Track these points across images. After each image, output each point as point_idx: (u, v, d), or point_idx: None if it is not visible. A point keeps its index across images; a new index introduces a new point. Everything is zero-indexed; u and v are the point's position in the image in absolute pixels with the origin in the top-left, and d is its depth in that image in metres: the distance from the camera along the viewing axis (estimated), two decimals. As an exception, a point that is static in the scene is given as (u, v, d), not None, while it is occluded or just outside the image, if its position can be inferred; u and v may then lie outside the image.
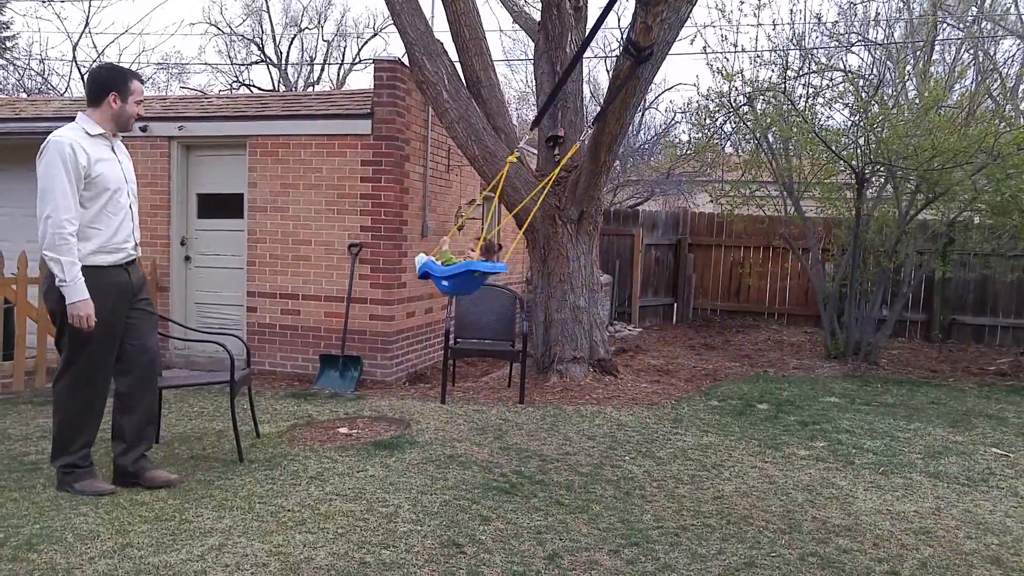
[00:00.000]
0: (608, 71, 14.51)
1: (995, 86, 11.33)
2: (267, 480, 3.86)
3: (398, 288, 6.54)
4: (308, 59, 28.30)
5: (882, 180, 8.37)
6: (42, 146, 3.37)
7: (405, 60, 6.48)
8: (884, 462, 4.52)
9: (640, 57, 4.98)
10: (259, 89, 26.00)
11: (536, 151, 7.28)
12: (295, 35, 27.52)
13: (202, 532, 3.19)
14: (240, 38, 26.87)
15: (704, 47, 18.94)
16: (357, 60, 28.49)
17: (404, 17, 6.31)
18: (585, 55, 7.01)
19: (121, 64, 3.63)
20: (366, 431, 4.88)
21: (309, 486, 3.78)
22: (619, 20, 16.95)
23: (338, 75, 28.69)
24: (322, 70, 28.38)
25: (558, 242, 6.49)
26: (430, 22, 6.58)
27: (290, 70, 27.99)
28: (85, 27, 23.60)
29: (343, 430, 4.88)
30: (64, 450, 3.57)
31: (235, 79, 27.11)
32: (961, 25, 13.66)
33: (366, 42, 32.41)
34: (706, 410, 5.76)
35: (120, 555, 2.95)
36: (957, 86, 10.46)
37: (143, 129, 6.97)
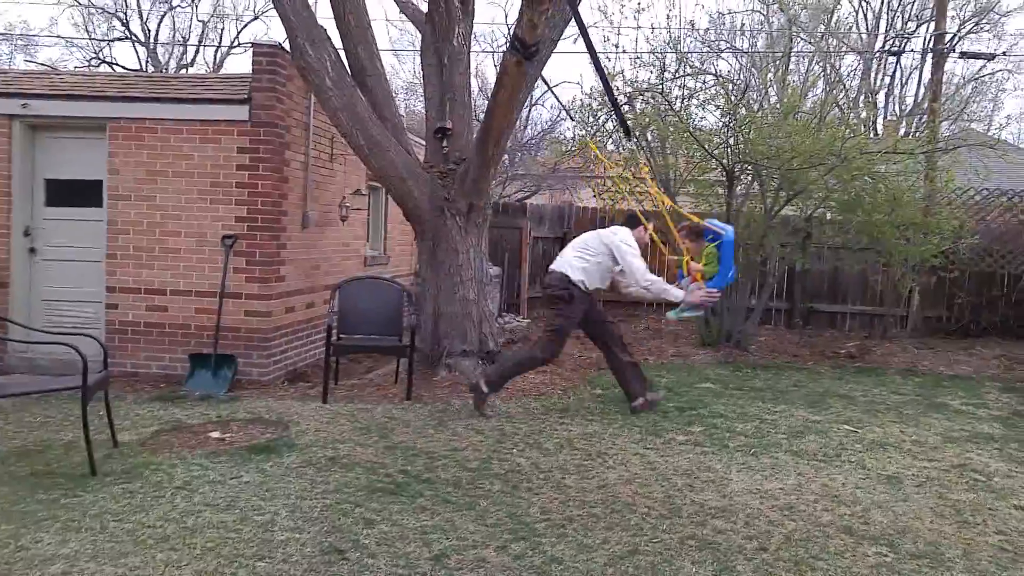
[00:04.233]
0: (496, 65, 14.54)
1: (840, 96, 12.36)
2: (124, 494, 3.55)
3: (276, 282, 6.23)
4: (181, 39, 26.54)
5: (750, 178, 8.90)
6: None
7: (287, 45, 6.18)
8: (754, 444, 4.81)
9: (526, 53, 5.00)
10: (122, 68, 24.05)
11: (424, 142, 7.16)
12: (165, 12, 25.68)
13: (42, 560, 2.86)
14: (100, 11, 24.74)
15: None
16: (236, 44, 27.06)
17: (286, 1, 6.02)
18: (472, 49, 6.97)
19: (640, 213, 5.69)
20: (241, 435, 4.61)
21: (174, 497, 3.52)
22: (506, 16, 17.00)
23: (215, 58, 27.11)
24: (196, 52, 26.70)
25: (447, 234, 6.42)
26: (313, 8, 6.32)
27: (160, 50, 26.11)
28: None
29: (215, 434, 4.58)
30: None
31: (94, 55, 24.96)
32: (812, 40, 14.81)
33: (245, 25, 30.85)
34: (591, 399, 5.90)
35: (-58, 591, 2.59)
36: (810, 94, 11.32)
37: (-23, 106, 6.23)
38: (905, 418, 5.65)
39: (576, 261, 5.33)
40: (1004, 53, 19.50)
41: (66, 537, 3.06)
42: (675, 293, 5.26)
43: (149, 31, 25.75)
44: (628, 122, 8.67)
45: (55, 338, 5.16)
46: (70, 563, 2.84)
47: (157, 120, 6.16)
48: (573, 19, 5.08)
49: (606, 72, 5.89)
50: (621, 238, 5.37)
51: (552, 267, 5.45)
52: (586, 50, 4.93)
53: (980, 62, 21.21)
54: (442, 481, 3.88)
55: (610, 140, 9.92)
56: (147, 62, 25.18)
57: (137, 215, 6.21)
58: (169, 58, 25.99)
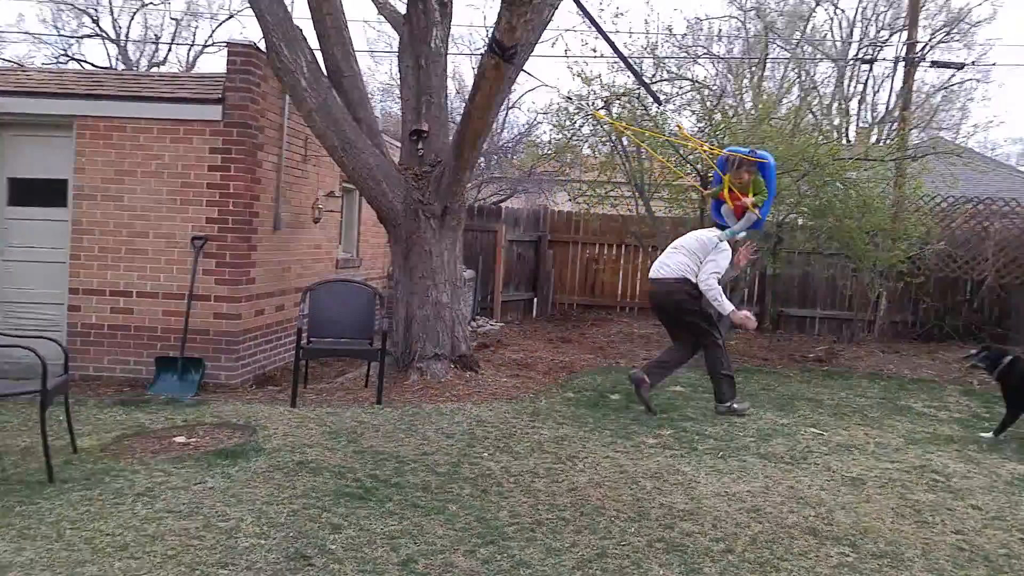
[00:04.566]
0: (473, 68, 14.54)
1: (814, 103, 12.55)
2: (83, 501, 3.47)
3: (246, 284, 6.16)
4: (153, 37, 26.15)
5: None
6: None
7: (262, 45, 6.12)
8: (722, 447, 4.84)
9: (505, 56, 5.00)
10: (92, 65, 23.65)
11: (399, 144, 7.13)
12: (137, 9, 25.26)
13: (-4, 568, 2.80)
14: (70, 7, 24.29)
15: (565, 50, 19.55)
16: (210, 42, 26.73)
17: (262, 1, 5.97)
18: (450, 51, 6.95)
19: None
20: (206, 439, 4.54)
21: (135, 504, 3.45)
22: (485, 19, 17.00)
23: (188, 57, 26.74)
24: (169, 50, 26.32)
25: (421, 237, 6.40)
26: (290, 8, 6.27)
27: (131, 47, 25.70)
28: None
29: (180, 439, 4.51)
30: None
31: (63, 52, 24.52)
32: (787, 47, 15.03)
33: (220, 24, 30.46)
34: (562, 402, 5.90)
35: None
36: (785, 100, 11.48)
37: (-61, 102, 6.08)
38: (870, 421, 5.74)
39: (688, 262, 5.64)
40: (974, 63, 19.94)
41: (21, 545, 2.99)
42: (726, 307, 5.53)
43: (120, 28, 25.32)
44: (607, 121, 8.73)
45: (14, 341, 5.03)
46: (25, 572, 2.77)
47: (127, 119, 6.07)
48: (576, 4, 5.11)
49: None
50: (720, 238, 5.68)
51: (662, 275, 5.69)
52: (596, 31, 4.97)
53: (950, 71, 21.67)
54: (411, 486, 3.86)
55: (586, 144, 9.95)
56: (117, 60, 24.76)
57: (103, 215, 6.10)
58: (140, 56, 25.60)
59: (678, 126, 6.35)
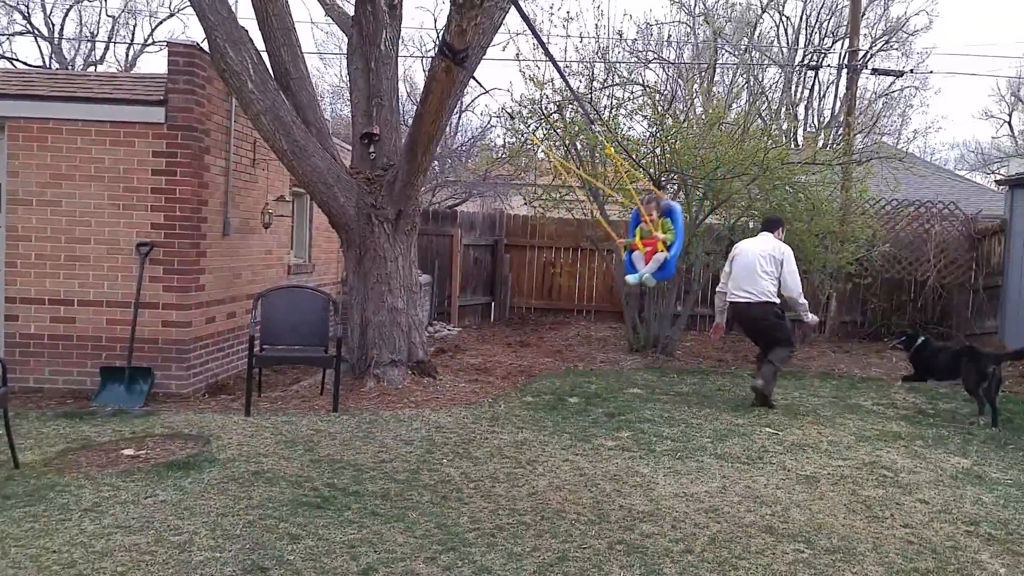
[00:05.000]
0: (424, 70, 14.46)
1: (763, 108, 12.86)
2: (27, 518, 3.32)
3: (196, 291, 5.99)
4: (89, 35, 25.28)
5: (676, 187, 9.12)
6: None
7: (205, 46, 5.96)
8: (680, 448, 4.90)
9: (456, 59, 4.98)
10: (24, 64, 22.75)
11: (351, 148, 7.04)
12: (71, 6, 24.37)
13: (-65, 590, 2.66)
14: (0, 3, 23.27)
15: (517, 54, 19.55)
16: (150, 41, 25.99)
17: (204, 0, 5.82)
18: (400, 54, 6.88)
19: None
20: (157, 451, 4.39)
21: (82, 520, 3.31)
22: (435, 21, 16.96)
23: (127, 57, 25.96)
24: (106, 49, 25.49)
25: (375, 242, 6.32)
26: (234, 7, 6.13)
27: (65, 46, 24.79)
28: None
29: (128, 451, 4.35)
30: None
31: (-7, 51, 23.55)
32: (736, 52, 15.40)
33: (161, 22, 29.65)
34: (521, 406, 5.90)
35: None
36: (735, 105, 11.74)
37: None
38: (822, 420, 5.88)
39: (770, 286, 6.12)
40: (912, 71, 20.73)
41: (-43, 568, 2.84)
42: (810, 317, 6.40)
43: (53, 25, 24.41)
44: (555, 124, 8.77)
45: (-53, 353, 4.80)
46: (-39, 596, 2.64)
47: (63, 120, 5.85)
48: (517, 11, 5.08)
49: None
50: (787, 249, 6.25)
51: (749, 300, 6.13)
52: (536, 40, 4.99)
53: (890, 78, 22.52)
54: (370, 494, 3.80)
55: (539, 150, 9.98)
56: (51, 58, 23.86)
57: (40, 221, 5.86)
58: (76, 55, 24.72)
59: (607, 149, 6.41)
